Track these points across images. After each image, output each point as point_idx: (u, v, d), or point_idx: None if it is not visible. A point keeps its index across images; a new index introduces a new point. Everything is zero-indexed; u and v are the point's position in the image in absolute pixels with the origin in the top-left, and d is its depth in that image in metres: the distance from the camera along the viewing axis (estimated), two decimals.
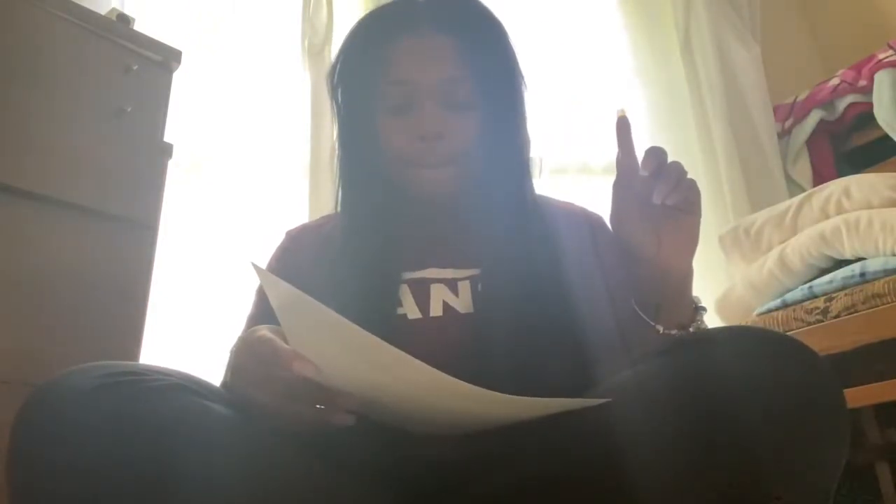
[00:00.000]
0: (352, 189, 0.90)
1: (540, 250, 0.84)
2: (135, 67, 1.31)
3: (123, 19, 1.36)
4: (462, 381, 0.53)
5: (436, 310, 0.79)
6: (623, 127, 0.67)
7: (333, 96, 0.91)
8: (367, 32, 0.88)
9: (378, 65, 0.85)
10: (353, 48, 0.88)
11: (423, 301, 0.80)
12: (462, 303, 0.80)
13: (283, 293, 0.56)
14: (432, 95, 0.83)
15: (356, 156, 0.89)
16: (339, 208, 0.90)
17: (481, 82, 0.85)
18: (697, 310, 0.72)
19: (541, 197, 0.93)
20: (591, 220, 0.93)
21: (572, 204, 0.97)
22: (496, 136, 0.86)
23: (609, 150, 2.18)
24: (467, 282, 0.81)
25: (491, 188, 0.88)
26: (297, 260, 0.90)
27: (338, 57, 0.90)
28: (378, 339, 0.52)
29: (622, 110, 0.67)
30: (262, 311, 0.85)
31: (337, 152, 0.92)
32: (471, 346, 0.75)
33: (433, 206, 0.89)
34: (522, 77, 0.90)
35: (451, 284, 0.81)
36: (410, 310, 0.79)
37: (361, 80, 0.87)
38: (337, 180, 0.91)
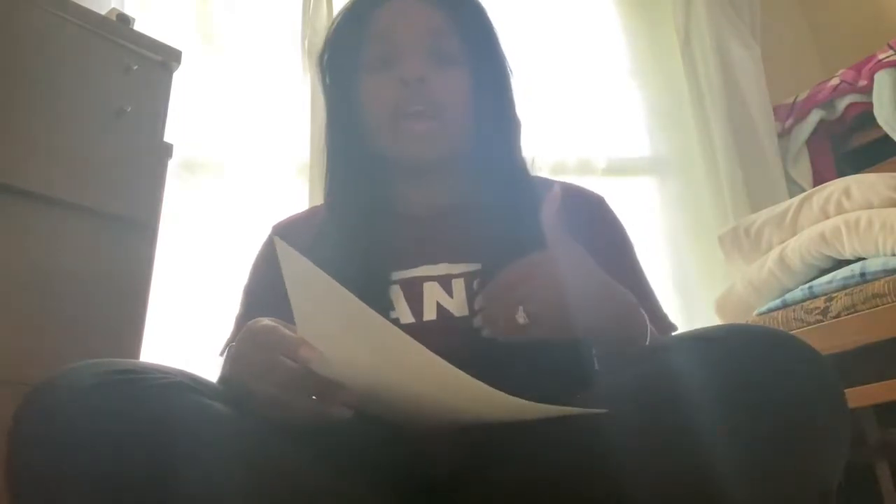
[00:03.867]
0: (339, 176, 0.88)
1: (537, 244, 0.81)
2: (135, 67, 1.31)
3: (123, 19, 1.36)
4: (469, 376, 0.53)
5: (429, 313, 0.77)
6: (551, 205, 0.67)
7: (322, 80, 0.91)
8: (352, 7, 0.89)
9: (362, 30, 0.86)
10: (339, 25, 0.89)
11: (416, 303, 0.78)
12: (456, 304, 0.78)
13: (298, 267, 0.54)
14: (414, 46, 0.83)
15: (343, 137, 0.88)
16: (326, 199, 0.89)
17: (465, 44, 0.86)
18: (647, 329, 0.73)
19: (537, 178, 0.91)
20: (592, 203, 0.91)
21: (572, 185, 0.93)
22: (483, 103, 0.86)
23: (608, 150, 2.19)
24: (461, 279, 0.79)
25: (481, 165, 0.86)
26: None
27: (326, 39, 0.91)
28: (389, 324, 0.52)
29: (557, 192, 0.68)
30: (250, 312, 0.84)
31: (325, 139, 0.91)
32: (466, 351, 0.74)
33: (421, 178, 0.87)
34: (506, 59, 0.90)
35: (445, 282, 0.79)
36: (403, 314, 0.77)
37: (347, 50, 0.87)
38: (325, 169, 0.90)
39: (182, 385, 0.57)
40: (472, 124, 0.85)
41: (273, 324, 0.61)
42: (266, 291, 0.84)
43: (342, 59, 0.88)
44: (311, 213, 0.96)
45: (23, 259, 1.11)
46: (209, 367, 0.80)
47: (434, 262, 0.81)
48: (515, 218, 0.82)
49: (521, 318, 0.65)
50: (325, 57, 0.90)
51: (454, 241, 0.83)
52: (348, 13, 0.89)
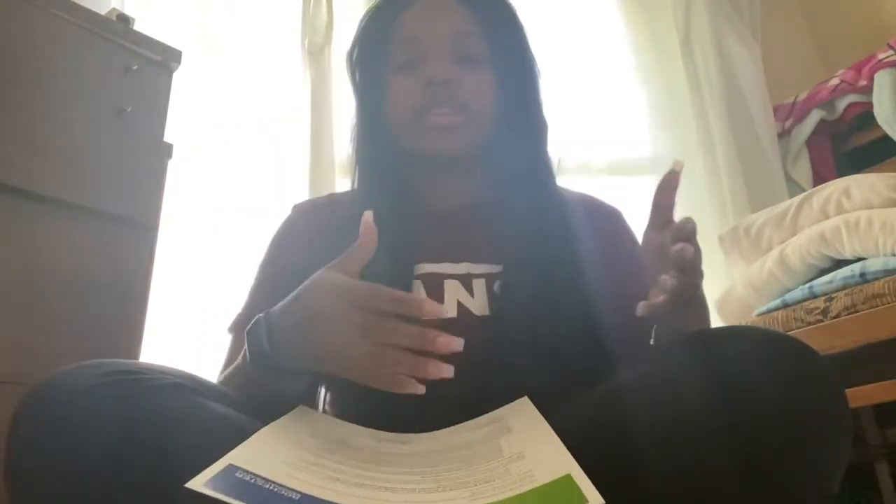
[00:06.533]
0: (367, 172, 0.90)
1: (560, 248, 0.81)
2: (135, 67, 1.31)
3: (123, 19, 1.36)
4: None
5: (450, 310, 0.78)
6: (671, 181, 0.65)
7: (352, 77, 0.93)
8: (379, 7, 0.91)
9: (390, 31, 0.87)
10: (367, 25, 0.91)
11: (436, 300, 0.77)
12: (477, 304, 0.78)
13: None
14: (441, 48, 0.84)
15: (371, 134, 0.89)
16: (356, 194, 0.91)
17: (492, 44, 0.86)
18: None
19: (559, 188, 0.92)
20: (610, 215, 0.92)
21: (590, 196, 0.95)
22: (508, 103, 0.86)
23: (608, 149, 2.19)
24: (482, 280, 0.80)
25: (505, 165, 0.87)
26: (305, 237, 0.88)
27: (354, 38, 0.93)
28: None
29: (680, 164, 0.65)
30: (264, 287, 0.85)
31: (353, 135, 0.93)
32: (485, 351, 0.73)
33: (446, 175, 0.88)
34: (534, 59, 0.91)
35: (466, 281, 0.80)
36: None
37: (375, 50, 0.89)
38: (353, 166, 0.92)
39: (182, 386, 0.57)
40: (496, 123, 0.86)
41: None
42: (282, 268, 0.85)
43: (370, 59, 0.90)
44: (330, 200, 0.97)
45: (23, 259, 1.11)
46: (209, 368, 0.80)
47: (456, 260, 0.81)
48: (538, 220, 0.82)
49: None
50: (354, 56, 0.92)
51: (476, 241, 0.83)
52: (375, 13, 0.91)
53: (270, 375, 0.63)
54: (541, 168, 0.89)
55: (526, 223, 0.82)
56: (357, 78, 0.93)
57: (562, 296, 0.77)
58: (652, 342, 0.73)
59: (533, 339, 0.73)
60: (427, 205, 0.88)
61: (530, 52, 0.91)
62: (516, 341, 0.74)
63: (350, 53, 0.93)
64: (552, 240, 0.81)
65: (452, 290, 0.79)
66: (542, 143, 0.90)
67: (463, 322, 0.77)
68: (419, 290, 0.79)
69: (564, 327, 0.75)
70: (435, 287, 0.79)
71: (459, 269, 0.81)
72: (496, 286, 0.79)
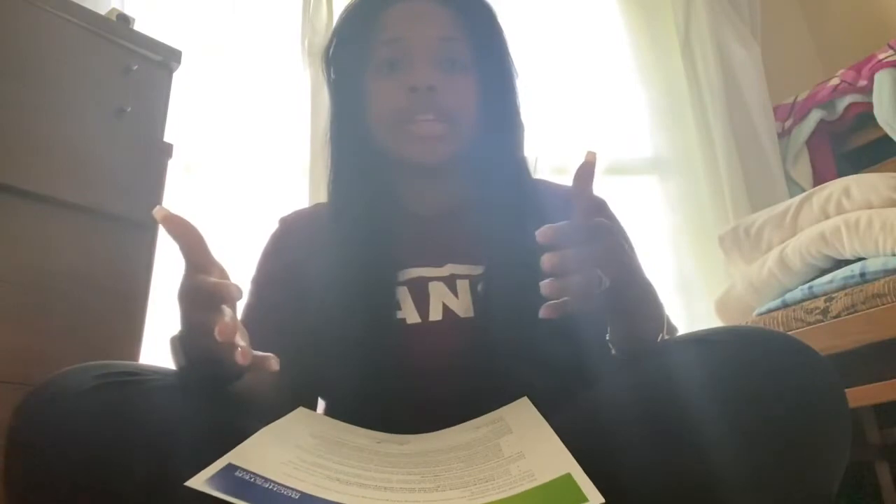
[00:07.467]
0: (343, 175, 0.88)
1: (540, 247, 0.81)
2: (135, 67, 1.31)
3: (123, 19, 1.36)
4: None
5: (435, 313, 0.78)
6: (587, 171, 0.60)
7: (327, 74, 0.91)
8: (361, 4, 0.88)
9: (371, 29, 0.85)
10: (347, 21, 0.89)
11: (422, 303, 0.78)
12: (461, 305, 0.78)
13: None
14: (425, 52, 0.82)
15: (348, 134, 0.87)
16: (330, 197, 0.89)
17: (474, 49, 0.85)
18: (659, 329, 0.68)
19: (541, 182, 0.92)
20: (596, 207, 0.91)
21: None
22: (489, 107, 0.85)
23: (609, 150, 2.19)
24: (466, 281, 0.80)
25: (485, 168, 0.86)
26: (293, 251, 0.87)
27: (332, 34, 0.91)
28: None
29: (592, 154, 0.59)
30: (259, 302, 0.85)
31: (329, 135, 0.90)
32: (471, 352, 0.74)
33: (426, 179, 0.87)
34: (513, 63, 0.90)
35: (450, 282, 0.79)
36: (409, 314, 0.78)
37: (354, 48, 0.86)
38: (328, 167, 0.90)
39: (180, 387, 0.57)
40: (477, 127, 0.85)
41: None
42: (273, 282, 0.86)
43: (349, 57, 0.88)
44: (315, 210, 0.96)
45: (23, 259, 1.11)
46: None
47: (439, 263, 0.81)
48: (519, 221, 0.82)
49: (604, 282, 0.57)
50: (331, 52, 0.90)
51: (458, 243, 0.83)
52: (357, 10, 0.88)
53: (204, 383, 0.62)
54: (518, 168, 0.89)
55: (506, 223, 0.82)
56: (333, 75, 0.90)
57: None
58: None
59: (517, 338, 0.73)
60: (407, 208, 0.88)
61: (510, 57, 0.90)
62: (500, 341, 0.73)
63: (327, 49, 0.90)
64: (532, 238, 0.81)
65: (437, 293, 0.79)
66: (519, 144, 0.90)
67: (447, 324, 0.77)
68: (405, 296, 0.78)
69: (547, 325, 0.74)
70: (420, 290, 0.79)
71: (443, 272, 0.81)
72: (479, 287, 0.79)
